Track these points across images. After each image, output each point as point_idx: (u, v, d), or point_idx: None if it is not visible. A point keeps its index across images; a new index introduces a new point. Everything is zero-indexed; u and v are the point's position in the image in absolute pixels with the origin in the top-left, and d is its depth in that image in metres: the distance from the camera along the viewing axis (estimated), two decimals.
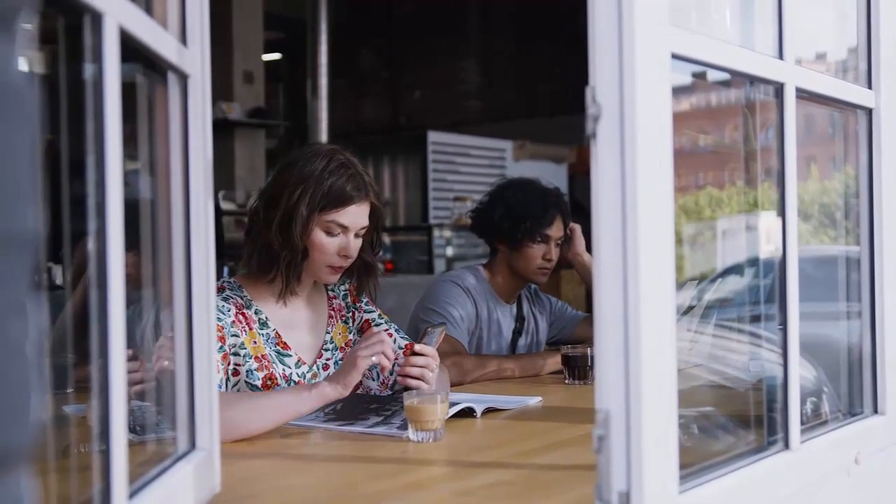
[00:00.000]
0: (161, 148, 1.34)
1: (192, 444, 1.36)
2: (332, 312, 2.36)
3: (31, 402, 0.58)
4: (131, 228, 1.09)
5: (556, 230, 3.00)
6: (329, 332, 2.33)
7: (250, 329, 2.17)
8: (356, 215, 2.19)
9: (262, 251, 2.19)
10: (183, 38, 1.34)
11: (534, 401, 2.33)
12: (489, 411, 2.16)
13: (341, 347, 2.34)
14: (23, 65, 0.59)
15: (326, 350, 2.31)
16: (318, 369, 2.27)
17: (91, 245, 1.00)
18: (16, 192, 0.56)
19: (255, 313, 2.20)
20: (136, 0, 1.13)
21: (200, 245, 1.36)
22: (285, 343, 2.22)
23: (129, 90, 1.08)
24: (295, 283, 2.22)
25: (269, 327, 2.20)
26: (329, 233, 2.17)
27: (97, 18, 0.99)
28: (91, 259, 1.01)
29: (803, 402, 1.62)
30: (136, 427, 1.35)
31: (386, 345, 1.99)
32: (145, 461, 1.29)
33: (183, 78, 1.34)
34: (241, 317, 2.16)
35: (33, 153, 0.59)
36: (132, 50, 1.11)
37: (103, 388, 1.00)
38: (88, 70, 1.01)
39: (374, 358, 1.96)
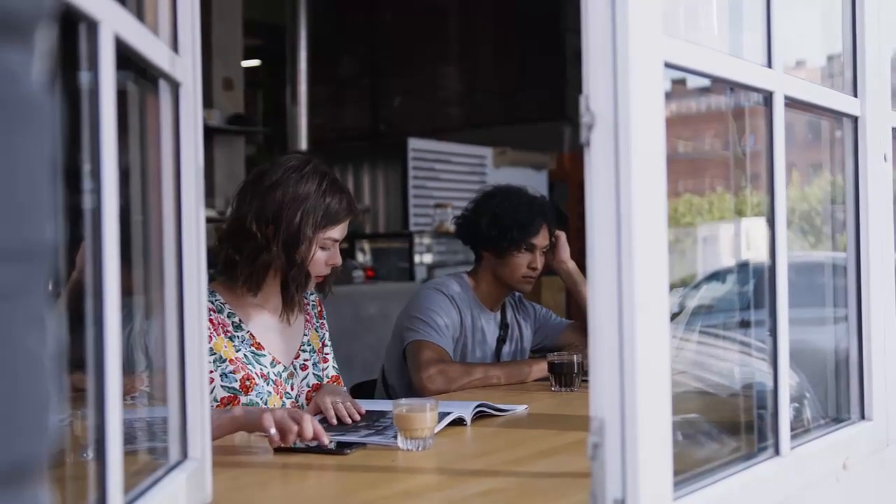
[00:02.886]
0: (152, 155, 1.34)
1: (184, 454, 1.35)
2: (308, 317, 2.45)
3: (49, 414, 0.58)
4: (121, 236, 1.08)
5: (541, 239, 3.01)
6: (307, 335, 2.41)
7: (219, 335, 2.22)
8: (345, 228, 2.32)
9: (262, 270, 2.24)
10: (175, 46, 1.33)
11: (521, 409, 2.33)
12: (479, 417, 2.17)
13: (318, 350, 2.43)
14: (40, 75, 0.58)
15: (304, 351, 2.40)
16: (295, 369, 2.35)
17: (87, 253, 1.00)
18: (35, 204, 0.56)
19: (228, 317, 2.26)
20: (128, 6, 1.13)
21: (192, 253, 1.36)
22: (259, 343, 2.28)
23: (119, 97, 1.08)
24: (300, 299, 2.33)
25: (243, 330, 2.27)
26: (323, 248, 2.28)
27: (93, 26, 0.98)
28: (86, 268, 1.01)
29: None
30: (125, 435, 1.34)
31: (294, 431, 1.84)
32: (137, 471, 1.28)
33: (175, 86, 1.33)
34: (209, 323, 2.19)
35: (51, 164, 0.59)
36: (124, 57, 1.10)
37: (99, 399, 0.99)
38: (83, 77, 1.00)
39: (272, 431, 1.81)
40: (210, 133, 7.33)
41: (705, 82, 1.56)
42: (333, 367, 2.50)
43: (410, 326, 2.89)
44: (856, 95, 1.83)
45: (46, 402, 0.58)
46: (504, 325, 3.14)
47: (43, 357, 0.57)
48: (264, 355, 2.28)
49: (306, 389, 2.36)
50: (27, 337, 0.56)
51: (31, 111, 0.56)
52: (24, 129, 0.56)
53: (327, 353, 2.50)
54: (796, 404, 1.80)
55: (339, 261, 2.32)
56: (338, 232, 2.29)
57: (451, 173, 8.26)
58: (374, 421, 2.12)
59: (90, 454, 1.16)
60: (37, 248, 0.57)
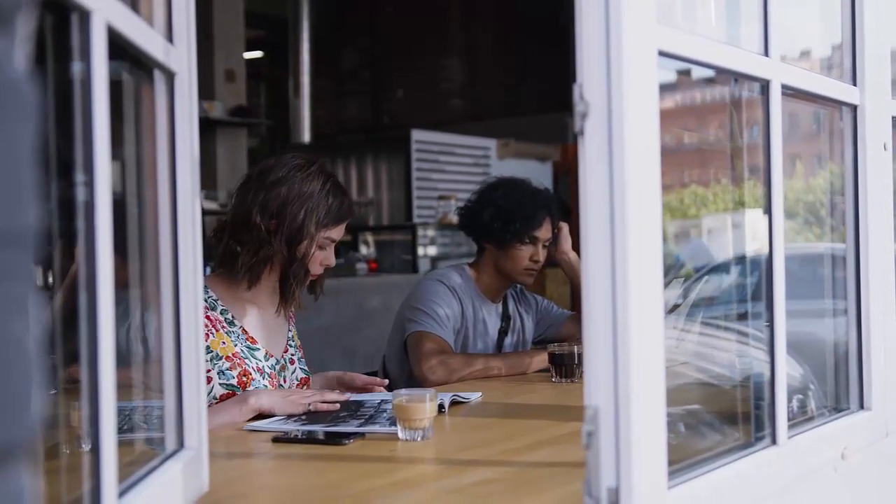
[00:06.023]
0: (147, 146, 1.34)
1: (181, 444, 1.36)
2: (291, 314, 2.49)
3: (32, 399, 0.59)
4: (116, 228, 1.08)
5: (544, 232, 3.00)
6: (290, 331, 2.47)
7: (217, 331, 2.25)
8: (343, 230, 2.37)
9: (262, 263, 2.27)
10: (169, 36, 1.33)
11: (475, 396, 2.37)
12: (454, 404, 2.23)
13: (299, 346, 2.49)
14: (22, 62, 0.59)
15: (291, 346, 2.45)
16: (285, 362, 2.40)
17: (79, 246, 1.00)
18: (17, 189, 0.56)
19: (221, 313, 2.29)
20: None
21: (188, 245, 1.36)
22: (252, 338, 2.32)
23: (113, 88, 1.08)
24: (299, 294, 2.36)
25: (236, 325, 2.30)
26: (320, 247, 2.32)
27: (85, 16, 0.98)
28: (77, 259, 1.01)
29: (790, 400, 1.63)
30: (123, 426, 1.35)
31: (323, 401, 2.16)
32: (133, 461, 1.28)
33: (170, 76, 1.33)
34: (205, 320, 2.21)
35: (33, 150, 0.59)
36: (118, 47, 1.10)
37: (92, 389, 0.99)
38: (76, 68, 1.00)
39: (310, 407, 2.12)
40: (212, 125, 7.33)
41: (710, 73, 1.56)
42: (303, 368, 2.51)
43: (412, 317, 2.89)
44: (855, 84, 1.82)
45: (30, 387, 0.58)
46: (506, 317, 3.14)
47: (26, 342, 0.58)
48: (258, 349, 2.32)
49: (295, 383, 2.40)
50: (10, 321, 0.56)
51: (12, 97, 0.57)
52: (4, 116, 0.56)
53: (293, 357, 2.51)
54: (800, 396, 1.80)
55: (332, 262, 2.37)
56: (336, 233, 2.33)
57: (454, 165, 8.25)
58: (355, 410, 2.12)
59: (89, 444, 1.16)
60: (19, 234, 0.57)
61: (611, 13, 1.15)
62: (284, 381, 2.36)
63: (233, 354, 2.24)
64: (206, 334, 2.20)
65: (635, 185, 1.16)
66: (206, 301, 2.26)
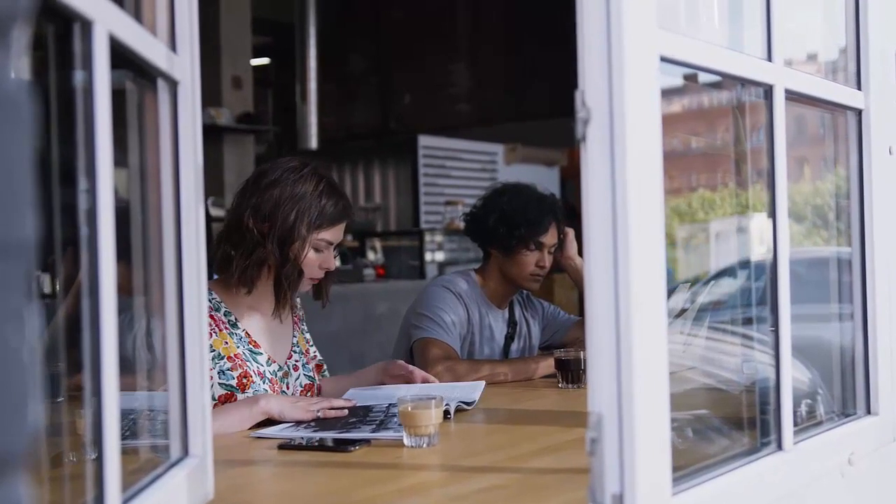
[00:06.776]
0: (151, 155, 1.34)
1: (185, 451, 1.36)
2: (296, 320, 2.49)
3: (28, 408, 0.59)
4: (120, 236, 1.08)
5: (550, 238, 3.00)
6: (295, 337, 2.46)
7: (220, 331, 2.26)
8: (341, 232, 2.35)
9: (256, 266, 2.27)
10: (172, 45, 1.34)
11: (479, 387, 2.40)
12: (459, 411, 2.21)
13: (305, 352, 2.47)
14: (19, 73, 0.59)
15: (295, 352, 2.44)
16: (288, 368, 2.40)
17: (82, 253, 1.00)
18: (13, 200, 0.57)
19: (225, 315, 2.30)
20: (125, 6, 1.13)
21: (192, 252, 1.36)
22: (256, 342, 2.32)
23: (117, 97, 1.08)
24: (291, 296, 2.35)
25: (239, 328, 2.30)
26: (317, 249, 2.31)
27: (87, 26, 0.99)
28: (82, 268, 1.01)
29: (798, 405, 1.63)
30: (126, 433, 1.35)
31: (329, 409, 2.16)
32: (138, 468, 1.28)
33: (173, 84, 1.34)
34: (209, 320, 2.22)
35: (30, 161, 0.59)
36: (121, 56, 1.11)
37: (96, 397, 0.99)
38: (78, 77, 1.01)
39: (319, 413, 2.12)
40: (219, 132, 7.33)
41: (717, 77, 1.55)
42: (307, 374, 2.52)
43: (418, 324, 2.89)
44: (860, 88, 1.82)
45: (26, 397, 0.58)
46: (512, 323, 3.14)
47: (22, 352, 0.58)
48: (261, 353, 2.32)
49: (299, 389, 2.39)
50: (7, 332, 0.56)
51: (8, 109, 0.57)
52: (2, 126, 0.56)
53: (315, 351, 2.53)
54: (808, 400, 1.79)
55: (332, 265, 2.35)
56: (331, 234, 2.31)
57: (461, 170, 8.26)
58: (364, 416, 2.12)
59: (94, 453, 1.17)
60: (16, 245, 0.57)
61: (612, 18, 1.15)
62: (287, 388, 2.36)
63: (235, 355, 2.25)
64: (209, 333, 2.20)
65: (637, 190, 1.16)
66: (210, 302, 2.26)
